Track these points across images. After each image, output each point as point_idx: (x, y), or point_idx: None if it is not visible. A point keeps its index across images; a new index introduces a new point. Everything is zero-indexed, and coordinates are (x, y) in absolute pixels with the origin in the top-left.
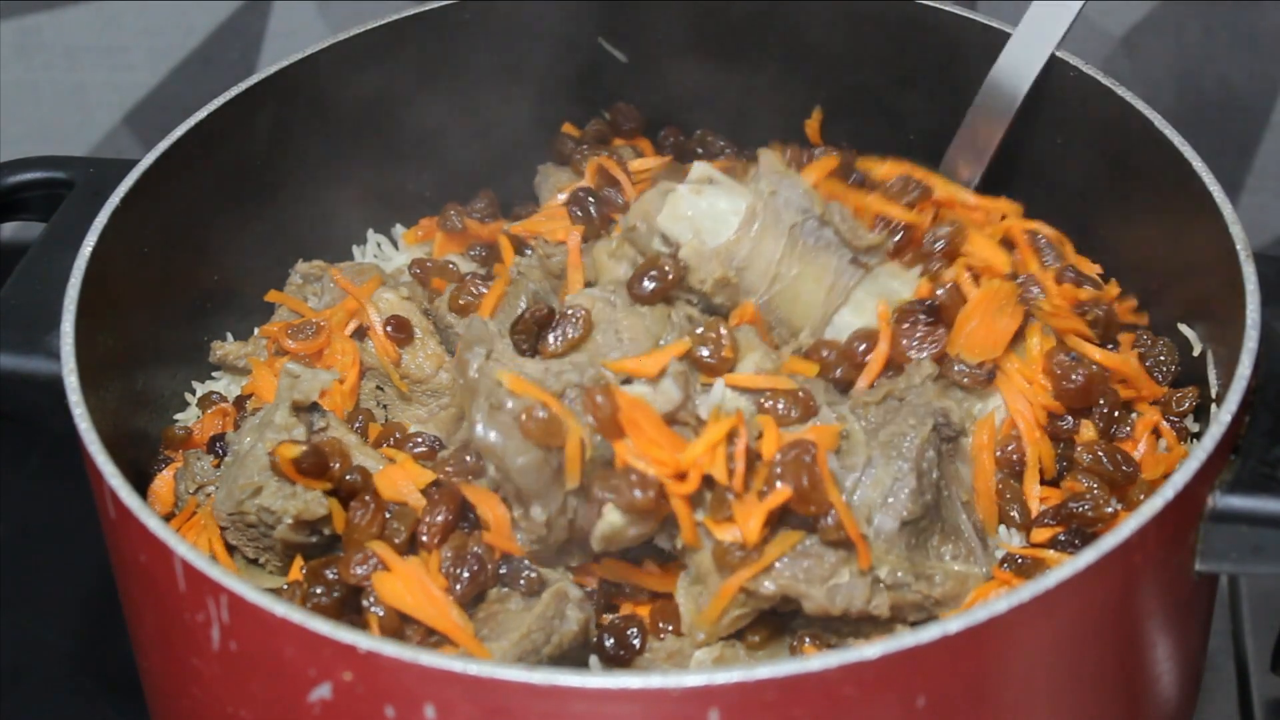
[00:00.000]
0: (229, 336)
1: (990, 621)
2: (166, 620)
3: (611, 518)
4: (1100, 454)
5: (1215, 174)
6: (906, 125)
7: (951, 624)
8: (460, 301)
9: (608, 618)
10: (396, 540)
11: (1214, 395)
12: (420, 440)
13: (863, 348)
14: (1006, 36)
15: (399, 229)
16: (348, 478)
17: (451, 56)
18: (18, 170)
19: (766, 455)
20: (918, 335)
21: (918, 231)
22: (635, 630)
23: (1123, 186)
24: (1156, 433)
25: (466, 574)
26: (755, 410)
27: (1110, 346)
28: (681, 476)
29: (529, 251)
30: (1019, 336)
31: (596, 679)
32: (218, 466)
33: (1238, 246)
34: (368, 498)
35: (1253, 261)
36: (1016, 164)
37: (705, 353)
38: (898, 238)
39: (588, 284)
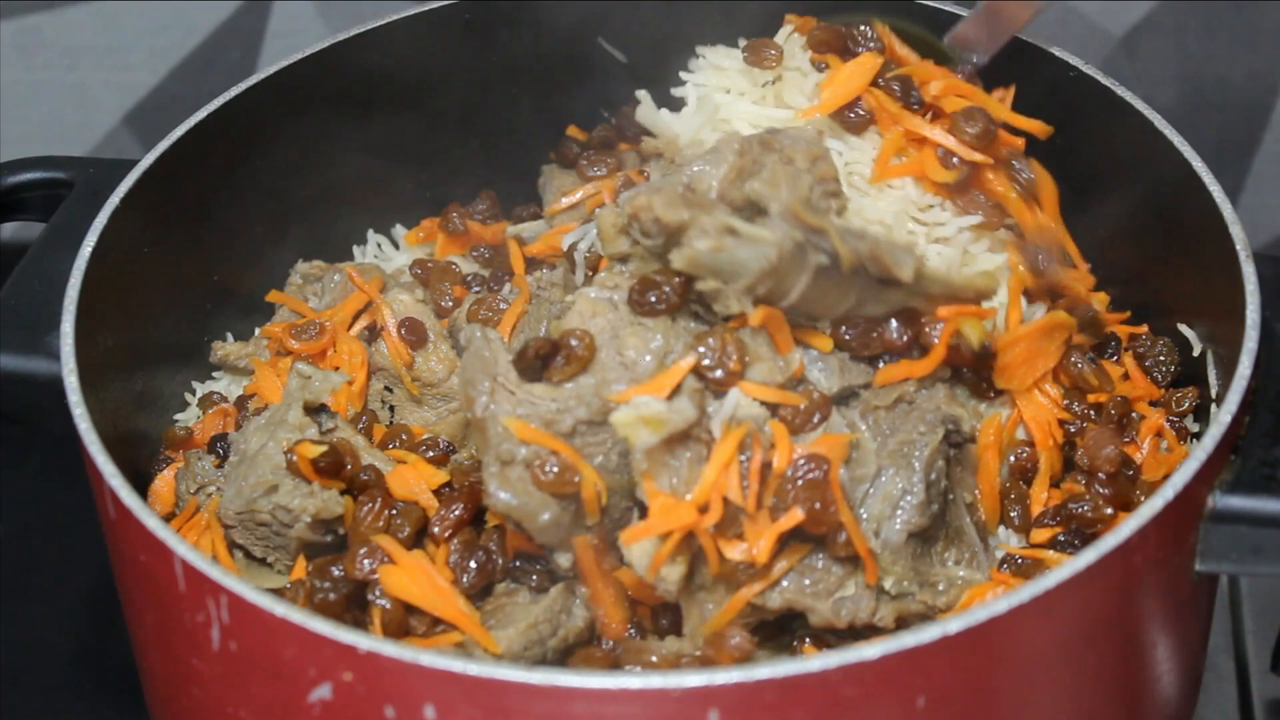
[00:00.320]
0: (229, 336)
1: (990, 622)
2: (166, 620)
3: (640, 549)
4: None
5: (1215, 174)
6: None
7: (951, 624)
8: (480, 316)
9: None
10: (401, 535)
11: (1214, 395)
12: (432, 444)
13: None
14: None
15: (399, 229)
16: (362, 476)
17: (452, 56)
18: (18, 170)
19: (779, 467)
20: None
21: (982, 174)
22: (634, 630)
23: (1122, 187)
24: (1158, 434)
25: (474, 565)
26: (768, 415)
27: (1110, 350)
28: (703, 509)
29: (546, 270)
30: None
31: (596, 679)
32: (219, 466)
33: (1238, 246)
34: (376, 495)
35: (1253, 261)
36: None
37: (709, 362)
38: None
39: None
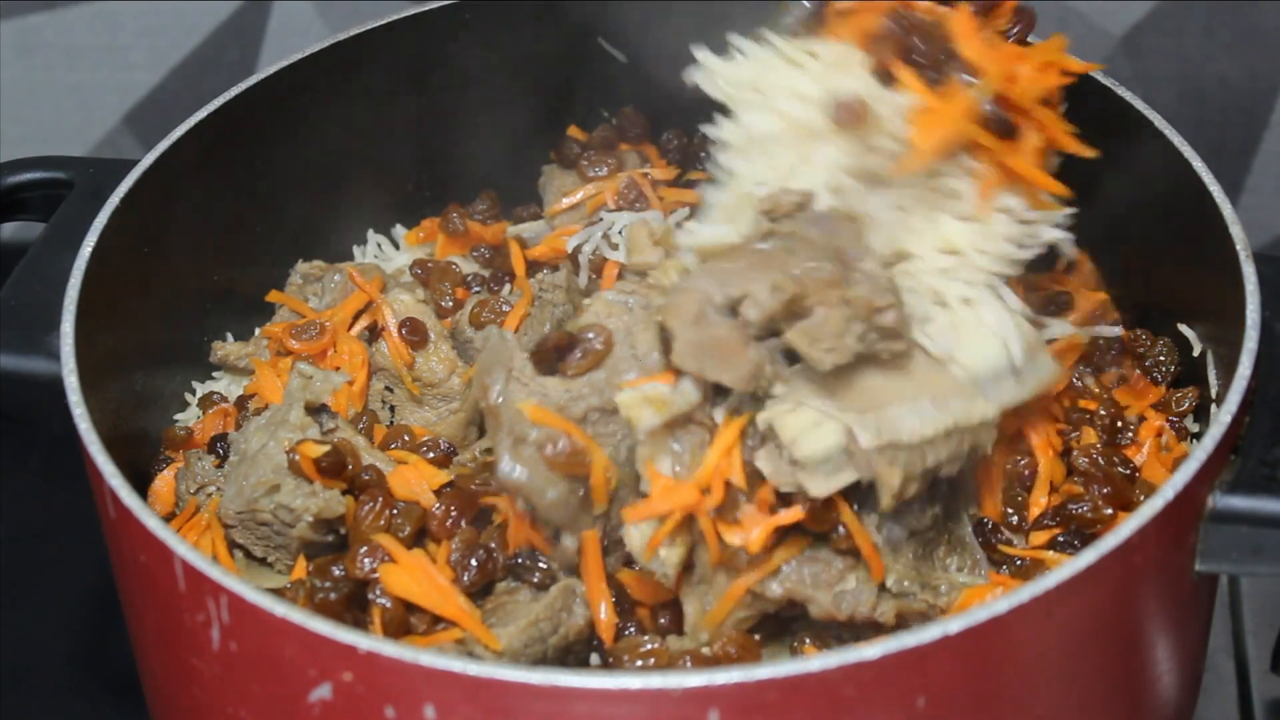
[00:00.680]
0: (229, 336)
1: (990, 622)
2: (166, 620)
3: (638, 530)
4: (1098, 457)
5: (1215, 174)
6: None
7: (951, 624)
8: (483, 317)
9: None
10: (401, 535)
11: (1214, 395)
12: (433, 445)
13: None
14: None
15: (399, 229)
16: (363, 477)
17: (452, 56)
18: (18, 170)
19: None
20: None
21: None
22: (632, 629)
23: (1122, 187)
24: (1158, 434)
25: (475, 563)
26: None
27: (1114, 321)
28: (705, 492)
29: (547, 271)
30: None
31: (596, 679)
32: (219, 466)
33: (1238, 246)
34: (377, 494)
35: (1253, 261)
36: None
37: None
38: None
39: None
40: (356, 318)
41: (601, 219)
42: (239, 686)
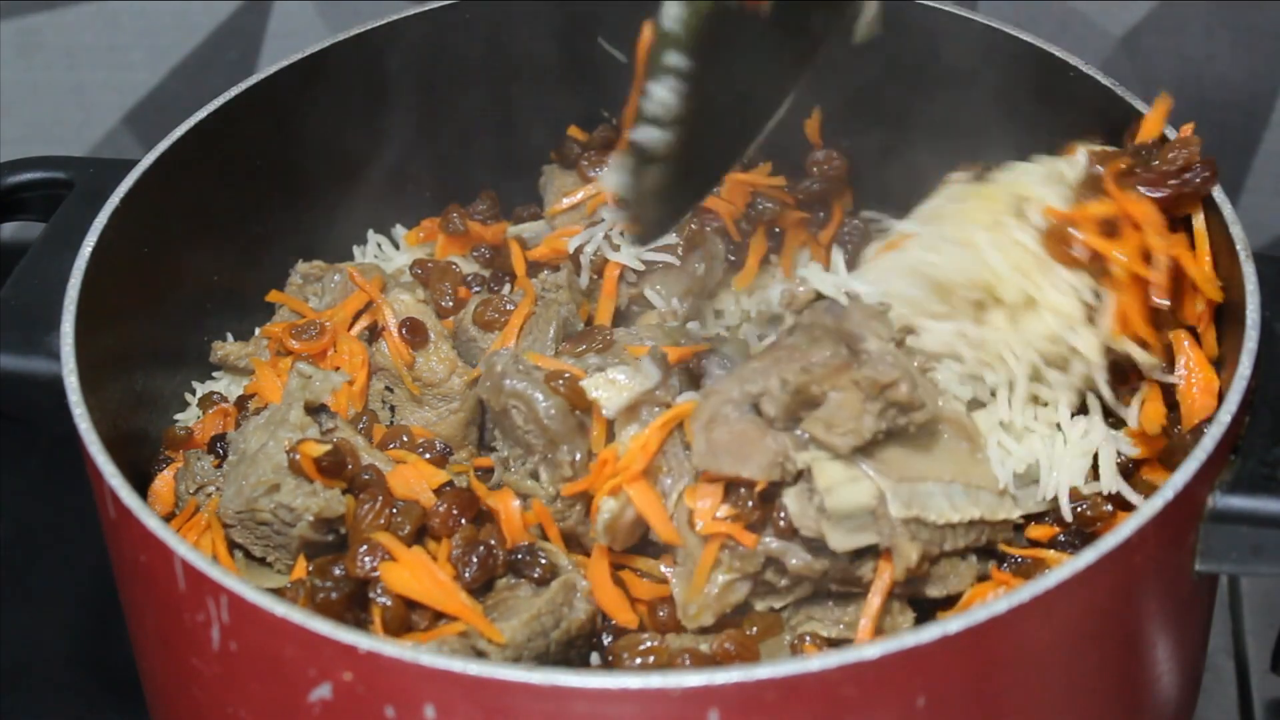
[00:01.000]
0: (229, 336)
1: (990, 621)
2: (166, 620)
3: (608, 505)
4: None
5: None
6: (906, 125)
7: (951, 624)
8: (486, 317)
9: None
10: (401, 533)
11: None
12: (429, 446)
13: None
14: (1006, 36)
15: (399, 229)
16: (363, 476)
17: (451, 56)
18: (18, 170)
19: None
20: None
21: None
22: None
23: None
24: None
25: (475, 559)
26: None
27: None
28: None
29: (549, 271)
30: None
31: (596, 679)
32: (218, 466)
33: (1238, 246)
34: (377, 494)
35: (1253, 261)
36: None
37: None
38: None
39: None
40: (356, 318)
41: (602, 219)
42: (239, 686)
